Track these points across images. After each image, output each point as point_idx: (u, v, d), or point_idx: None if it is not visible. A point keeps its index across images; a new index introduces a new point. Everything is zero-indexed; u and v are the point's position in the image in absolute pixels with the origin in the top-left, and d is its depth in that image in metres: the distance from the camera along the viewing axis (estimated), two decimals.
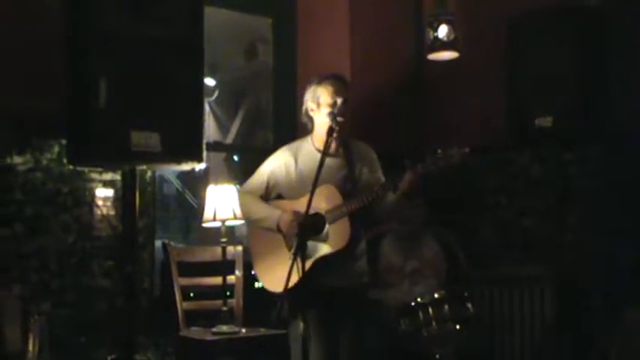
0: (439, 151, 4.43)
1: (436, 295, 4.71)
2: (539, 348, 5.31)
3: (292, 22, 6.19)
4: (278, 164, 4.72)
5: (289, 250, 4.57)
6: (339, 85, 4.61)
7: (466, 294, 4.78)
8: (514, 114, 4.90)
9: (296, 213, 4.52)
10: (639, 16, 5.00)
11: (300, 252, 3.94)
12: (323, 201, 4.47)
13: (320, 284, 4.23)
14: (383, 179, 4.66)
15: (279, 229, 4.57)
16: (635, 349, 4.57)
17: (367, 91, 6.00)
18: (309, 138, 4.75)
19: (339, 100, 4.55)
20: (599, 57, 4.66)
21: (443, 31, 5.70)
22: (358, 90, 5.81)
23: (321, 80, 4.64)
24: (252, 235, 4.78)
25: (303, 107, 4.70)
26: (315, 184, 4.04)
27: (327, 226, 4.50)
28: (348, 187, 4.62)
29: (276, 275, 4.45)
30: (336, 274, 4.52)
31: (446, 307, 4.70)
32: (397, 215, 5.05)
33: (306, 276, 3.94)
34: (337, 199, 4.51)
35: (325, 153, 4.23)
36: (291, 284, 3.96)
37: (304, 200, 4.26)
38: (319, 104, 4.60)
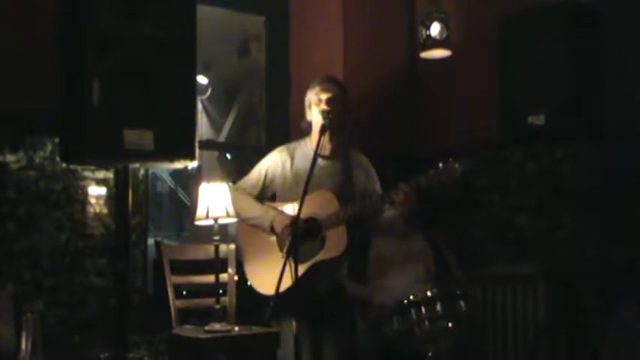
0: (440, 164, 4.44)
1: (428, 293, 4.71)
2: (532, 347, 5.32)
3: (285, 20, 6.17)
4: (275, 163, 4.75)
5: (282, 251, 4.59)
6: (324, 84, 4.68)
7: (458, 292, 4.78)
8: (507, 112, 4.91)
9: (292, 216, 4.53)
10: (632, 13, 5.01)
11: (293, 256, 3.96)
12: (320, 206, 4.50)
13: (308, 287, 4.25)
14: (380, 191, 4.69)
15: (272, 230, 4.59)
16: (629, 348, 4.58)
17: (360, 89, 6.00)
18: (307, 139, 4.79)
19: (324, 97, 4.60)
20: (593, 55, 4.67)
21: (435, 29, 5.70)
22: (351, 88, 5.81)
23: (311, 85, 4.72)
24: (241, 234, 4.79)
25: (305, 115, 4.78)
26: (307, 183, 4.06)
27: (323, 231, 4.52)
28: (345, 191, 4.65)
29: (267, 277, 4.47)
30: (322, 278, 4.55)
31: (438, 305, 4.69)
32: (390, 231, 5.10)
33: (298, 279, 3.96)
34: (334, 205, 4.54)
35: (317, 152, 4.26)
36: (284, 287, 3.98)
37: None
38: (310, 106, 4.67)
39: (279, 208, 4.69)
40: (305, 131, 4.80)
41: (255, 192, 4.76)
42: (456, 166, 4.45)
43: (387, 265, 5.30)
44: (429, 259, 5.42)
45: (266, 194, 4.79)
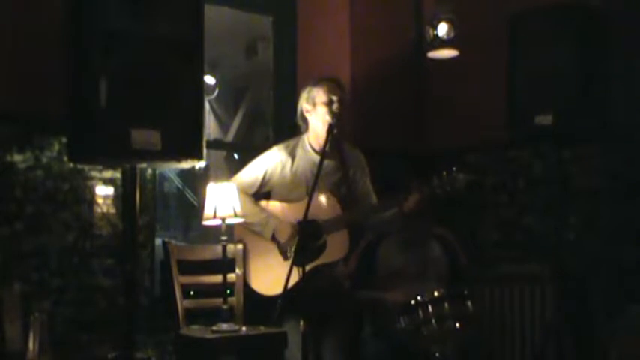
0: (445, 173, 4.45)
1: (436, 293, 4.69)
2: (539, 347, 5.31)
3: (293, 20, 6.18)
4: (274, 163, 4.77)
5: (282, 254, 4.61)
6: (334, 85, 4.71)
7: (466, 292, 4.76)
8: (514, 112, 4.89)
9: (293, 225, 4.57)
10: None
11: (300, 258, 3.99)
12: (321, 209, 4.51)
13: (310, 290, 4.25)
14: (370, 187, 4.73)
15: (273, 239, 4.61)
16: (636, 349, 4.57)
17: (367, 88, 6.00)
18: (304, 138, 4.80)
19: (335, 98, 4.61)
20: (600, 55, 4.65)
21: (443, 29, 5.68)
22: (358, 88, 5.82)
23: (316, 82, 4.75)
24: (240, 236, 4.80)
25: (298, 110, 4.79)
26: (313, 188, 4.08)
27: (324, 235, 4.53)
28: (343, 190, 4.67)
29: (267, 278, 4.50)
30: (325, 280, 4.55)
31: (446, 305, 4.68)
32: (395, 225, 5.03)
33: (301, 281, 3.99)
34: (336, 208, 4.56)
35: (324, 154, 4.26)
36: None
37: (300, 205, 4.30)
38: (315, 104, 4.68)
39: (276, 207, 4.71)
40: (300, 126, 4.82)
41: (251, 191, 4.79)
42: (460, 176, 4.47)
43: (398, 280, 5.19)
44: (441, 270, 5.30)
45: (261, 191, 4.82)
